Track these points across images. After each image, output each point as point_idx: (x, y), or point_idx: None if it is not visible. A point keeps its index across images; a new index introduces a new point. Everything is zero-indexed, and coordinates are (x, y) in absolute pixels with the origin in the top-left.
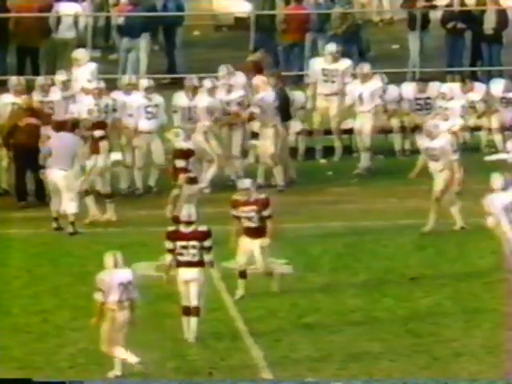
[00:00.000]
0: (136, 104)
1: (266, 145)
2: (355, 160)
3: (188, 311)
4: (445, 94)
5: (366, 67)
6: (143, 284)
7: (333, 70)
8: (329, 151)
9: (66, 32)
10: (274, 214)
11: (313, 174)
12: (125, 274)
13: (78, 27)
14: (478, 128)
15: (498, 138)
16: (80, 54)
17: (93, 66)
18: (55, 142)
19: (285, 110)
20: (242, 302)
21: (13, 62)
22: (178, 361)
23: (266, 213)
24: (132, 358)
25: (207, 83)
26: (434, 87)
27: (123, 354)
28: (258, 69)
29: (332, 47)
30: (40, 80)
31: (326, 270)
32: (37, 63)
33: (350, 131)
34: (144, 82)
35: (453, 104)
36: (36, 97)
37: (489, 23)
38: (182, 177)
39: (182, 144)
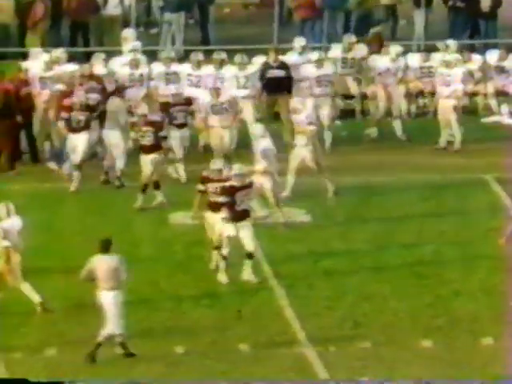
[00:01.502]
0: (180, 73)
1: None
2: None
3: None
4: (449, 62)
5: (398, 47)
6: (180, 231)
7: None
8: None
9: (112, 9)
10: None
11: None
12: (18, 222)
13: (124, 4)
14: (475, 93)
15: (493, 102)
16: (128, 33)
17: (137, 44)
18: (108, 105)
19: (288, 82)
20: (266, 248)
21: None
22: (211, 299)
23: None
24: (35, 298)
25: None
26: (437, 57)
27: (28, 291)
28: (379, 41)
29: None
30: (99, 54)
31: (341, 220)
32: (87, 37)
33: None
34: (193, 56)
35: (455, 71)
36: (98, 68)
37: (485, 1)
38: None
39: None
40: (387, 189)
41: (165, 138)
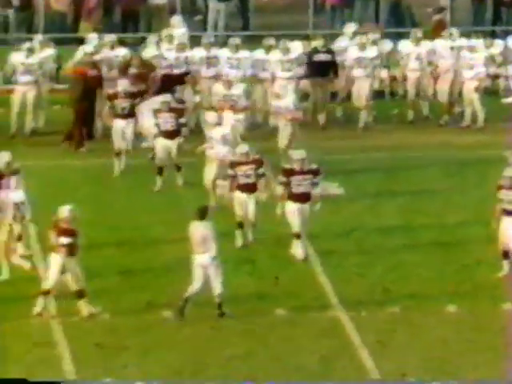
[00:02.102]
0: (220, 57)
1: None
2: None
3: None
4: (473, 47)
5: (419, 32)
6: (224, 203)
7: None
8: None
9: None
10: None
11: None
12: (18, 195)
13: None
14: (497, 76)
15: None
16: (176, 20)
17: (184, 30)
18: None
19: (333, 66)
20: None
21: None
22: (250, 266)
23: (260, 171)
24: (25, 265)
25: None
26: (462, 43)
27: (18, 261)
28: (442, 26)
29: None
30: (152, 37)
31: (372, 194)
32: (137, 24)
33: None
34: (231, 41)
35: (478, 55)
36: (150, 51)
37: None
38: None
39: None
40: (415, 165)
41: (185, 124)
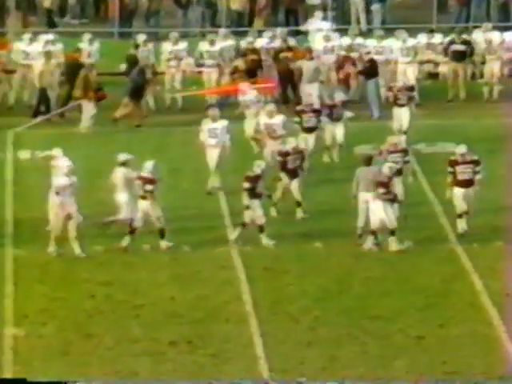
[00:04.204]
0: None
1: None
2: None
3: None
4: None
5: (489, 25)
6: None
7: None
8: None
9: None
10: None
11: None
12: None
13: None
14: None
15: None
16: (319, 15)
17: (328, 24)
18: None
19: (467, 54)
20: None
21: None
22: None
23: (406, 159)
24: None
25: None
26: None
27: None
28: None
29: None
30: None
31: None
32: (297, 19)
33: None
34: (376, 32)
35: None
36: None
37: None
38: None
39: None
40: None
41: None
